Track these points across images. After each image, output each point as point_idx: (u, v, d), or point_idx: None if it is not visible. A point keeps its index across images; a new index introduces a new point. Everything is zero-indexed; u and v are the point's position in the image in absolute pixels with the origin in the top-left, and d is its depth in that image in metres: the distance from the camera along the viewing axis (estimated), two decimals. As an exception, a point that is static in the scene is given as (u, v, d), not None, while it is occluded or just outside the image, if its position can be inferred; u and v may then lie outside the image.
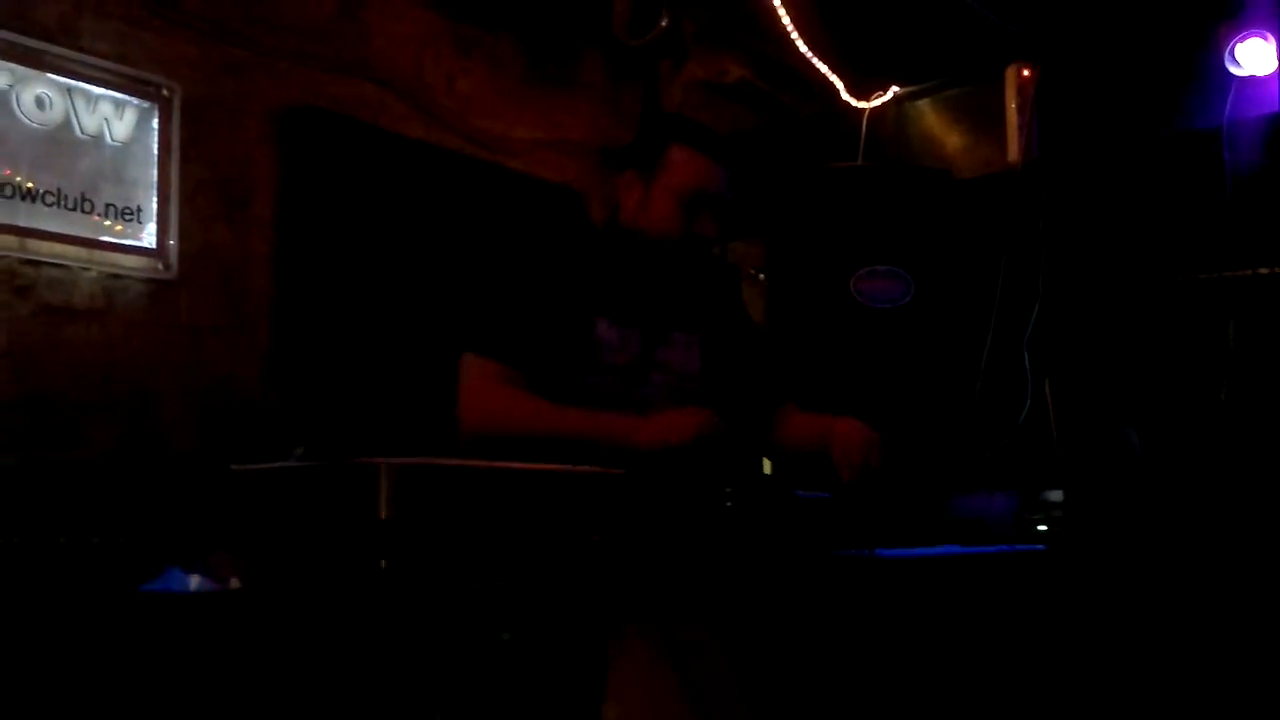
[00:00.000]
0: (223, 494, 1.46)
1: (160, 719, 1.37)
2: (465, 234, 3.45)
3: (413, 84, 3.50)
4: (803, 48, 3.77)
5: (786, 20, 3.69)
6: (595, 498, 1.61)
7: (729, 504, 1.83)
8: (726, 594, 1.68)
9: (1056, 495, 2.18)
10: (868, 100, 3.87)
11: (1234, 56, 3.25)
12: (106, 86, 2.80)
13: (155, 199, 2.86)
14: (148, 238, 2.85)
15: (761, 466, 2.34)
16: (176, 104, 2.92)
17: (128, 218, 2.81)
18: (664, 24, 3.71)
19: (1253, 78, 3.19)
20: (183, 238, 2.90)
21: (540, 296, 2.10)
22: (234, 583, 1.42)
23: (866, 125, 3.79)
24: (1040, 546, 2.13)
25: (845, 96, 3.88)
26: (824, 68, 3.83)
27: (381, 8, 3.43)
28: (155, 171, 2.87)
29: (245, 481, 1.50)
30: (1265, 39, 3.20)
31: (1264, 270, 2.93)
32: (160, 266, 2.87)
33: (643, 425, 1.98)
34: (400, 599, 1.36)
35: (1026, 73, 3.62)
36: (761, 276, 3.43)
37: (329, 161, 3.21)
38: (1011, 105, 3.64)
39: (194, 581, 1.34)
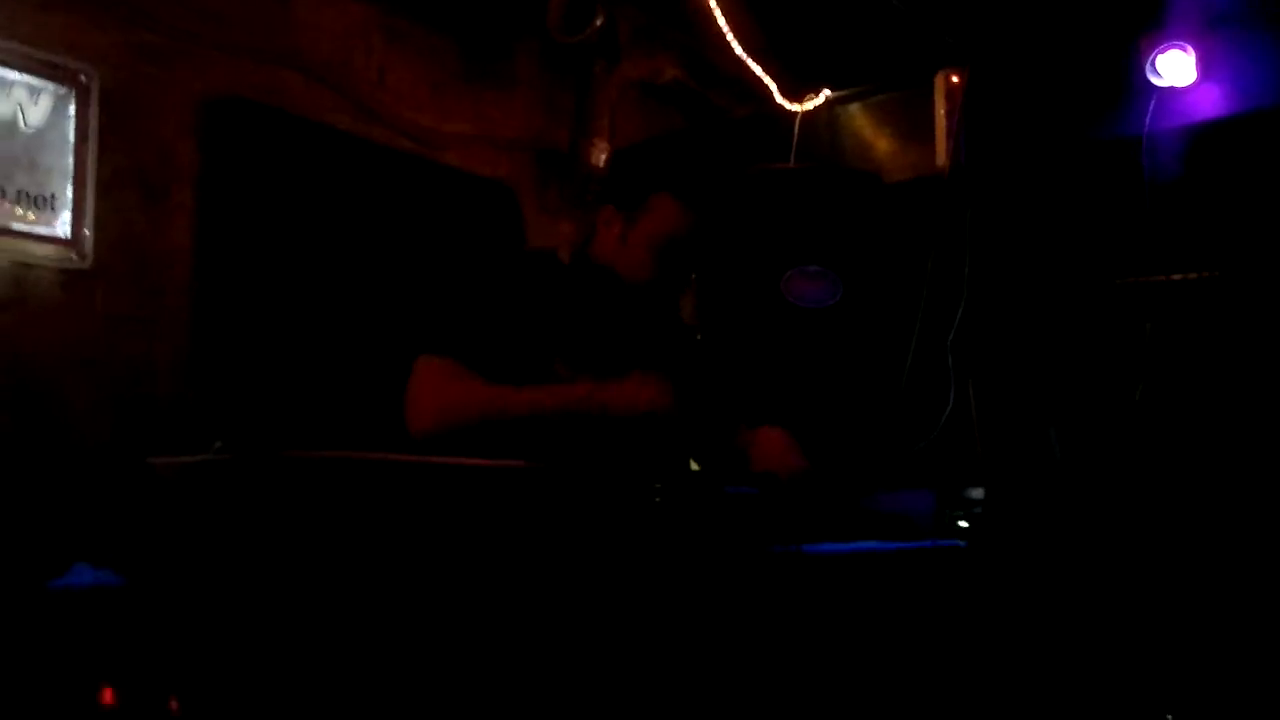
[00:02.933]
0: (137, 488, 1.42)
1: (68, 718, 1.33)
2: (394, 227, 3.41)
3: (342, 75, 3.45)
4: (737, 50, 3.79)
5: (722, 22, 3.71)
6: (520, 493, 1.60)
7: (658, 499, 1.83)
8: (655, 589, 1.68)
9: (977, 492, 2.22)
10: (800, 103, 3.90)
11: (1155, 67, 3.33)
12: (21, 71, 2.71)
13: (70, 187, 2.78)
14: (61, 227, 2.76)
15: (689, 463, 2.35)
16: (95, 90, 2.84)
17: (41, 206, 2.72)
18: (599, 23, 3.70)
19: (1173, 88, 3.27)
20: (99, 227, 2.82)
21: (503, 327, 2.06)
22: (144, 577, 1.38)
23: (799, 128, 3.81)
24: (960, 543, 2.17)
25: (778, 99, 3.90)
26: (758, 70, 3.85)
27: (310, -2, 3.37)
28: (71, 159, 2.78)
29: (161, 475, 1.47)
30: (1185, 50, 3.28)
31: (1179, 276, 3.02)
32: (74, 256, 2.78)
33: (608, 388, 1.95)
34: (319, 594, 1.34)
35: (955, 79, 3.68)
36: (694, 276, 3.43)
37: (253, 152, 3.14)
38: (940, 111, 3.69)
39: (103, 577, 1.30)
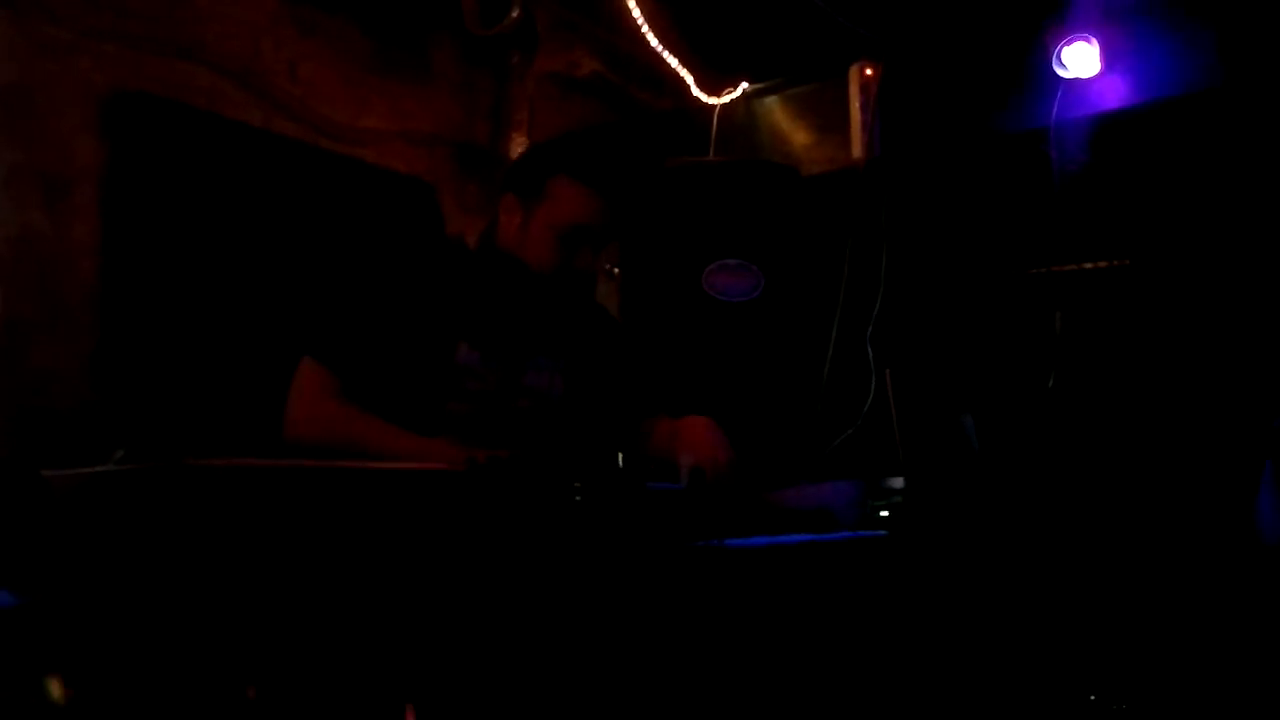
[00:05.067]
0: (31, 501, 1.36)
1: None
2: (309, 226, 3.34)
3: (251, 69, 3.36)
4: (654, 42, 3.78)
5: (638, 14, 3.70)
6: (440, 495, 1.58)
7: (578, 498, 1.82)
8: (576, 587, 1.66)
9: (898, 482, 2.24)
10: (718, 96, 3.91)
11: (1060, 59, 3.41)
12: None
13: (-33, 186, 2.68)
14: (-42, 227, 2.66)
15: (615, 460, 2.35)
16: (-10, 85, 2.73)
17: (-66, 206, 2.62)
18: (515, 14, 3.66)
19: (1078, 80, 3.35)
20: (-2, 227, 2.73)
21: (397, 312, 2.04)
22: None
23: (717, 121, 3.83)
24: (881, 533, 2.19)
25: (696, 92, 3.91)
26: (675, 63, 3.85)
27: (215, -10, 3.28)
28: (-32, 157, 2.68)
29: (56, 488, 1.41)
30: (1089, 42, 3.36)
31: (1088, 265, 3.09)
32: (-28, 258, 2.68)
33: (446, 456, 1.95)
34: (231, 606, 1.30)
35: (869, 72, 3.72)
36: (616, 271, 3.43)
37: (158, 149, 3.05)
38: (855, 103, 3.74)
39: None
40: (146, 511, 1.33)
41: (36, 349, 2.79)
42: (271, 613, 1.32)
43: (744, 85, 3.90)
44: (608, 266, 4.07)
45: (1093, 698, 2.31)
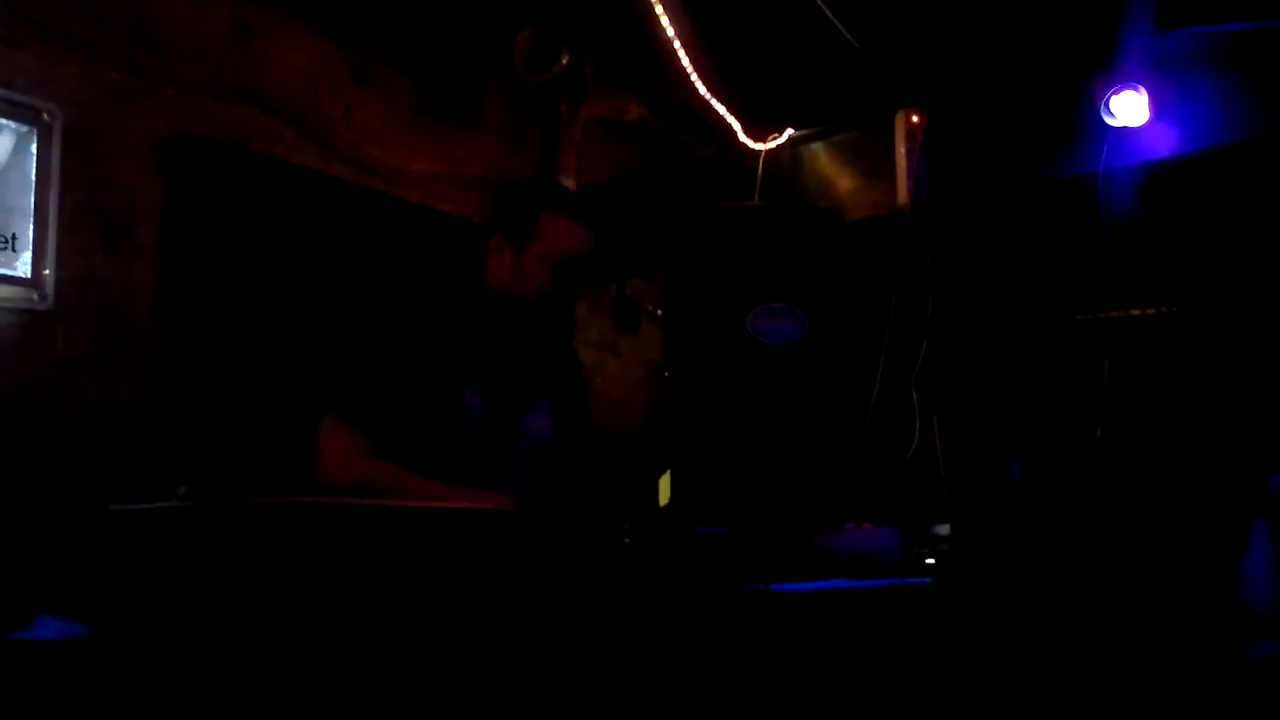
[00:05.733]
0: (101, 536, 1.40)
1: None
2: (359, 266, 3.40)
3: (308, 113, 3.45)
4: (700, 89, 3.83)
5: (685, 62, 3.75)
6: (492, 535, 1.60)
7: (627, 540, 1.83)
8: (625, 630, 1.67)
9: (943, 529, 2.23)
10: (763, 142, 3.94)
11: (1109, 108, 3.40)
12: (-17, 108, 2.70)
13: (32, 227, 2.75)
14: (23, 267, 2.73)
15: (657, 500, 2.36)
16: (57, 129, 2.82)
17: (2, 246, 2.69)
18: (565, 62, 3.73)
19: (1127, 128, 3.34)
20: (61, 266, 2.80)
21: (411, 361, 2.10)
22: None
23: (762, 167, 3.85)
24: (927, 580, 2.18)
25: (742, 138, 3.94)
26: (721, 109, 3.89)
27: (275, 35, 3.37)
28: (32, 198, 2.76)
29: (125, 522, 1.45)
30: (1138, 91, 3.36)
31: (1136, 312, 3.07)
32: (35, 297, 2.75)
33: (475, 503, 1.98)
34: (296, 642, 1.32)
35: (915, 119, 3.74)
36: (660, 312, 3.46)
37: (216, 190, 3.13)
38: (901, 149, 3.75)
39: (69, 629, 1.28)
40: (214, 546, 1.36)
41: (96, 385, 2.85)
42: (333, 645, 1.35)
43: (789, 131, 3.93)
44: (651, 307, 4.10)
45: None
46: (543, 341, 2.28)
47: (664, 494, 2.92)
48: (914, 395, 3.10)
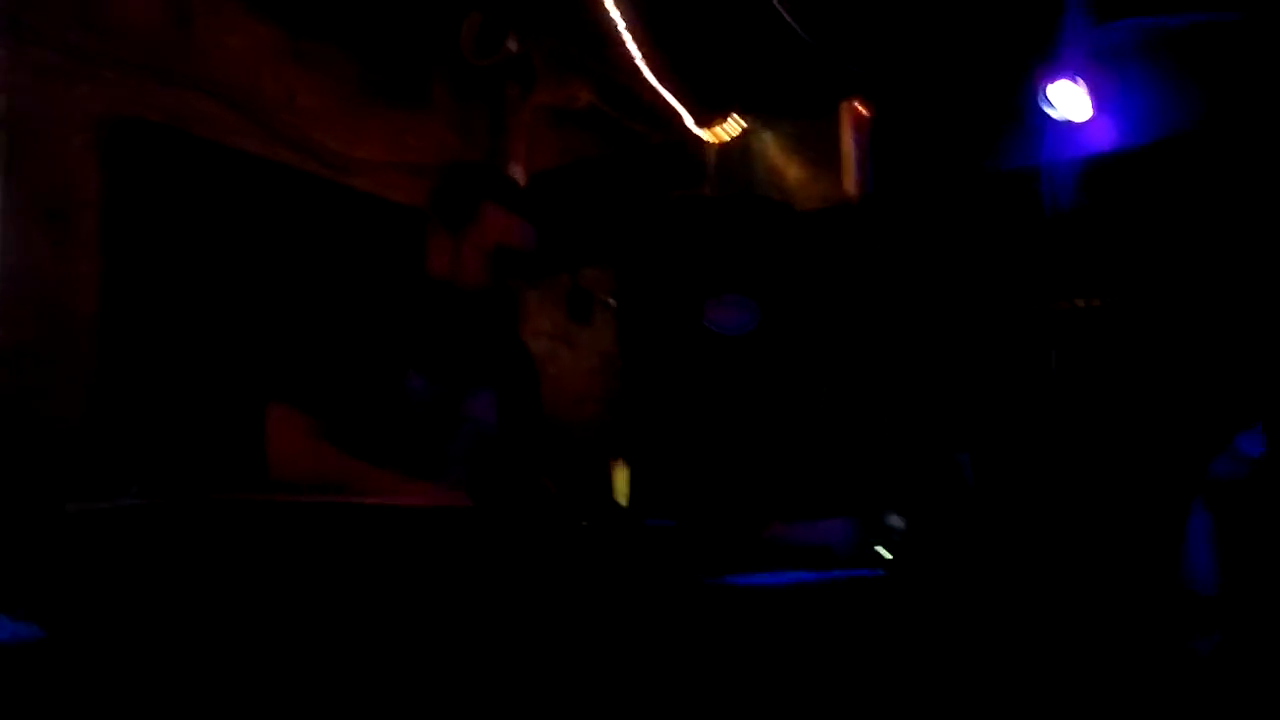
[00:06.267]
0: (54, 536, 1.37)
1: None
2: (303, 253, 3.34)
3: (250, 98, 3.37)
4: (649, 76, 3.82)
5: (633, 49, 3.74)
6: (447, 531, 1.59)
7: (582, 534, 1.84)
8: (578, 624, 1.68)
9: (896, 520, 2.26)
10: (710, 129, 3.95)
11: (1049, 100, 3.46)
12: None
13: (-32, 215, 2.67)
14: (-41, 256, 2.65)
15: (613, 496, 2.36)
16: (-8, 114, 2.73)
17: (-64, 235, 2.61)
18: (512, 47, 3.70)
19: (1070, 122, 3.40)
20: (-1, 256, 2.72)
21: (354, 346, 2.08)
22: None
23: (713, 156, 3.87)
24: (880, 571, 2.21)
25: (690, 125, 3.95)
26: (669, 96, 3.89)
27: (213, 19, 3.29)
28: (-31, 186, 2.68)
29: (79, 522, 1.42)
30: (1075, 82, 3.41)
31: (1081, 303, 3.13)
32: (-27, 288, 2.67)
33: (413, 493, 1.98)
34: (255, 641, 1.31)
35: (862, 109, 3.77)
36: (612, 302, 3.46)
37: (158, 176, 3.05)
38: (847, 140, 3.78)
39: (22, 630, 1.25)
40: (171, 544, 1.33)
41: (39, 377, 2.77)
42: (291, 641, 1.33)
43: (735, 117, 3.94)
44: (604, 297, 4.10)
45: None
46: (483, 329, 2.26)
47: (619, 485, 2.92)
48: (865, 385, 3.14)
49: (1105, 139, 3.42)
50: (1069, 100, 3.46)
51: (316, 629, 1.34)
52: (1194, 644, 2.36)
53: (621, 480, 2.79)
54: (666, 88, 3.88)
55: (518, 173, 3.79)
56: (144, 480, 1.44)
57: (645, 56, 3.78)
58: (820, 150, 3.90)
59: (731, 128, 3.93)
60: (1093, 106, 3.42)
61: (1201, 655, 2.38)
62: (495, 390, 2.27)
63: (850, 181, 3.73)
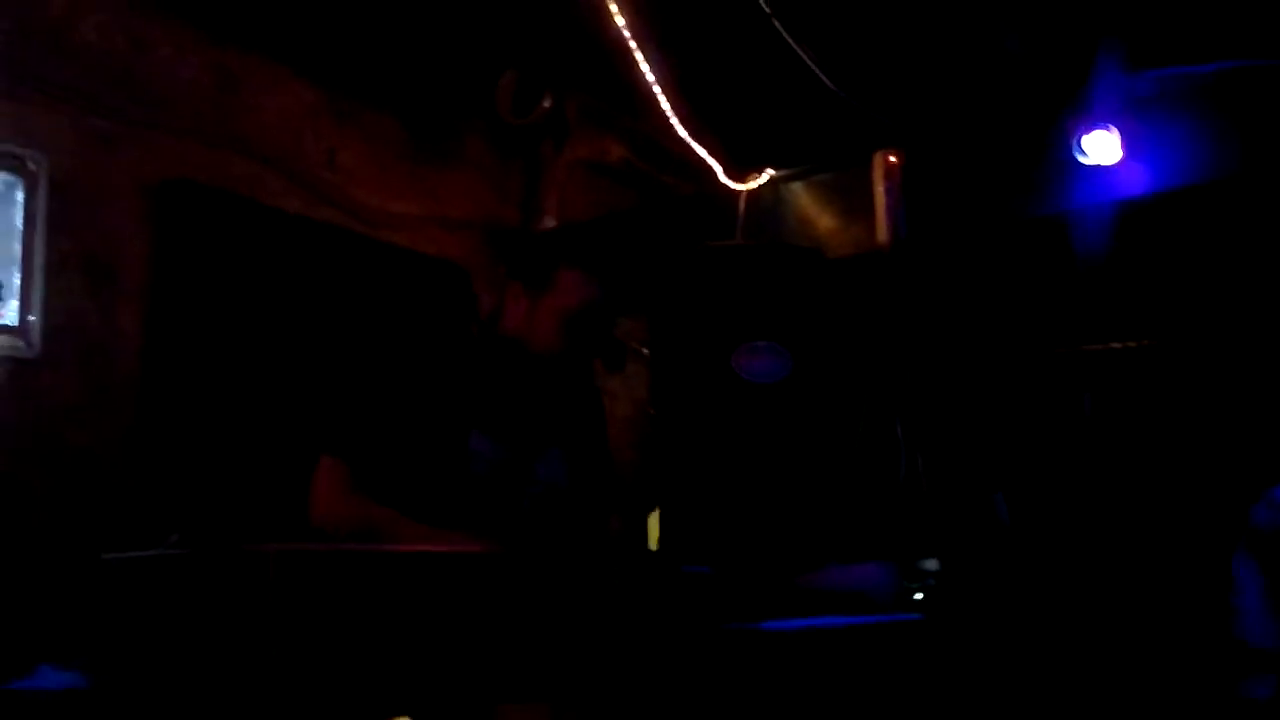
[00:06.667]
0: (95, 584, 1.40)
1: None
2: (348, 311, 3.40)
3: (291, 158, 3.47)
4: (681, 131, 3.88)
5: (665, 105, 3.80)
6: (478, 576, 1.60)
7: (615, 579, 1.84)
8: (613, 670, 1.68)
9: (931, 564, 2.25)
10: (744, 182, 3.99)
11: (1081, 147, 3.47)
12: (-32, 157, 2.70)
13: (18, 274, 2.75)
14: (9, 314, 2.73)
15: (646, 539, 2.36)
16: (43, 177, 2.82)
17: (-13, 293, 2.70)
18: (547, 104, 3.77)
19: (1100, 167, 3.41)
20: (46, 314, 2.79)
21: (411, 403, 2.10)
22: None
23: (744, 207, 3.90)
24: (917, 615, 2.19)
25: (722, 179, 3.99)
26: (702, 151, 3.94)
27: (258, 81, 3.39)
28: (19, 246, 2.76)
29: (118, 570, 1.45)
30: (1109, 130, 3.42)
31: (1116, 345, 3.11)
32: (21, 345, 2.74)
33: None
34: (289, 687, 1.32)
35: (893, 158, 3.79)
36: (646, 351, 3.47)
37: (203, 236, 3.14)
38: (879, 189, 3.80)
39: (69, 679, 1.27)
40: (206, 593, 1.36)
41: (83, 432, 2.84)
42: (324, 689, 1.35)
43: (769, 172, 3.98)
44: (637, 346, 4.12)
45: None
46: (556, 389, 2.26)
47: (653, 533, 2.92)
48: (899, 431, 3.13)
49: (1137, 184, 3.42)
50: (1101, 147, 3.46)
51: (350, 673, 1.35)
52: (1251, 693, 2.29)
53: (655, 528, 2.79)
54: (698, 141, 3.93)
55: (550, 225, 3.84)
56: (184, 529, 1.47)
57: (676, 111, 3.84)
58: (852, 200, 3.92)
59: (763, 179, 3.97)
60: (1124, 152, 3.42)
61: (1259, 703, 2.32)
62: (563, 450, 2.26)
63: (882, 230, 3.74)
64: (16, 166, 2.79)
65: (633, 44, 3.48)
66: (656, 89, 3.77)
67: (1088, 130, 3.44)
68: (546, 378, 2.21)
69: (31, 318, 2.77)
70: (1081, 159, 3.44)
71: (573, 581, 1.74)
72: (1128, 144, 3.39)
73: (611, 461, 2.41)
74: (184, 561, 1.42)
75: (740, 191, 3.98)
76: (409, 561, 1.53)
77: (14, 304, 2.75)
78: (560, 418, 2.27)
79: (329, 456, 2.07)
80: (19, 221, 2.77)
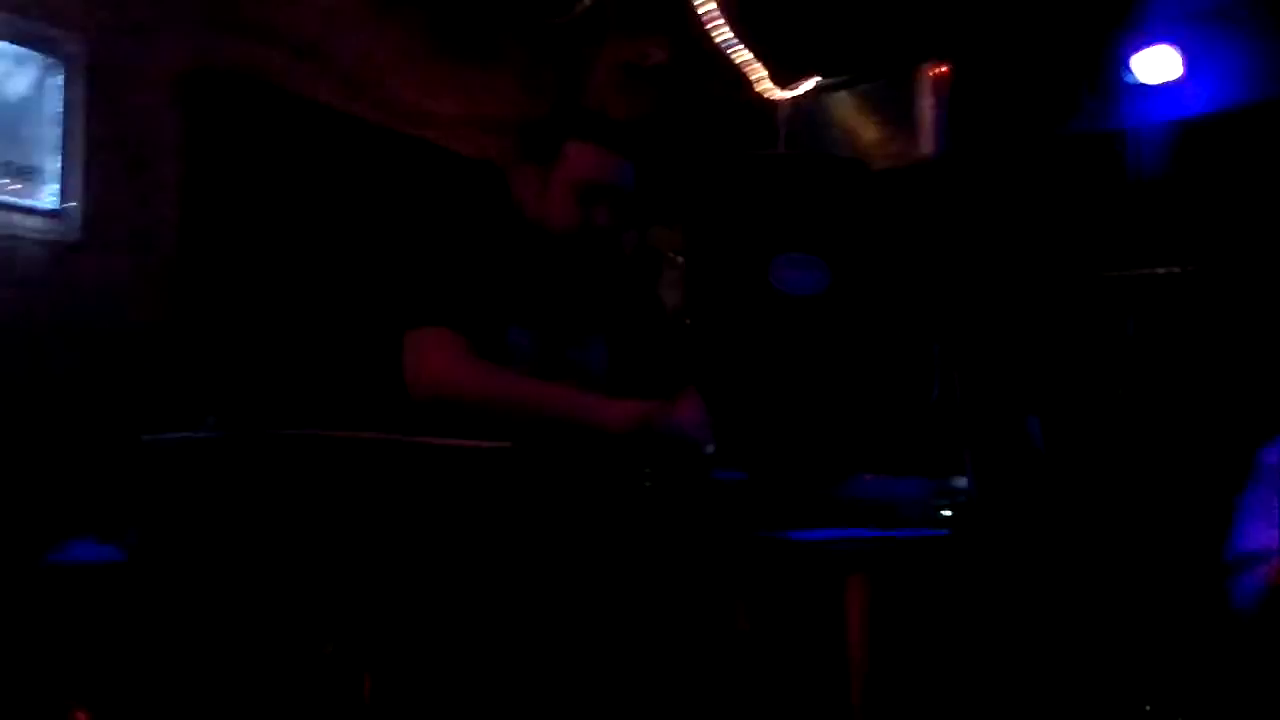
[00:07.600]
0: (134, 464, 1.41)
1: (63, 691, 1.32)
2: (380, 204, 3.38)
3: (324, 49, 3.41)
4: (724, 35, 3.79)
5: (710, 6, 3.71)
6: (508, 474, 1.61)
7: (648, 484, 1.84)
8: (646, 574, 1.69)
9: (962, 482, 2.24)
10: (787, 89, 3.91)
11: (1137, 64, 3.37)
12: (6, 40, 2.66)
13: (58, 159, 2.74)
14: (48, 199, 2.73)
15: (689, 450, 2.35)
16: (81, 61, 2.80)
17: (26, 178, 2.69)
18: (586, 2, 3.69)
19: (1156, 84, 3.31)
20: (84, 200, 2.79)
21: (477, 280, 2.06)
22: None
23: (786, 116, 3.83)
24: (945, 531, 2.19)
25: (766, 85, 3.91)
26: (747, 54, 3.85)
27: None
28: (58, 130, 2.74)
29: (154, 452, 1.46)
30: (1168, 47, 3.32)
31: (1161, 270, 3.05)
32: (61, 229, 2.75)
33: (614, 407, 1.96)
34: (315, 570, 1.34)
35: (940, 70, 3.70)
36: (680, 260, 3.44)
37: (235, 124, 3.11)
38: (925, 102, 3.72)
39: (106, 553, 1.30)
40: (232, 475, 1.37)
41: (122, 316, 2.86)
42: (346, 574, 1.36)
43: (815, 79, 3.89)
44: (672, 254, 4.08)
45: (1148, 708, 2.30)
46: (590, 275, 2.22)
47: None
48: (935, 348, 3.10)
49: (1194, 103, 3.32)
50: (1156, 63, 3.36)
51: (364, 561, 1.37)
52: (1240, 601, 2.23)
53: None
54: (741, 45, 3.84)
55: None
56: (220, 412, 1.48)
57: (721, 13, 3.75)
58: (896, 112, 3.84)
59: (808, 85, 3.88)
60: (1182, 69, 3.32)
61: (1249, 610, 2.26)
62: (605, 335, 2.23)
63: (927, 143, 3.67)
64: (55, 49, 2.76)
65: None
66: (700, -10, 3.68)
67: (1142, 47, 3.34)
68: (575, 262, 2.17)
69: (72, 203, 2.76)
70: (1137, 76, 3.34)
71: (605, 484, 1.75)
72: (1186, 60, 3.29)
73: (665, 332, 2.37)
74: (217, 444, 1.43)
75: (782, 100, 3.90)
76: (431, 454, 1.53)
77: (53, 188, 2.74)
78: (600, 304, 2.23)
79: (434, 329, 2.01)
80: (58, 106, 2.75)
